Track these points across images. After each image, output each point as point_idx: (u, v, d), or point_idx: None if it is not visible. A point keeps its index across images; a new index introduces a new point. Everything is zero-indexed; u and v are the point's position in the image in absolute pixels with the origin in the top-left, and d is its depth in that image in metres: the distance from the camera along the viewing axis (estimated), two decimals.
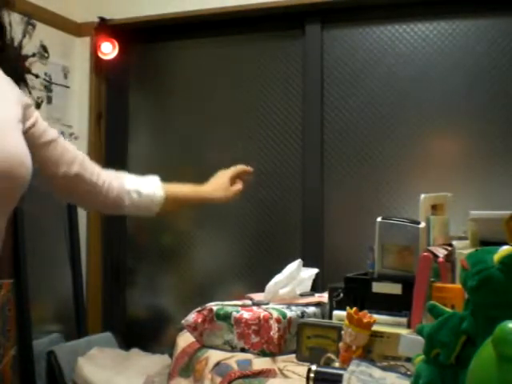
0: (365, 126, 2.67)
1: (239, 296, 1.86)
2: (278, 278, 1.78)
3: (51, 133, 1.15)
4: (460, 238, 1.58)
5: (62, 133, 2.93)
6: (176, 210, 1.50)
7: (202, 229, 2.94)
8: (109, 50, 2.95)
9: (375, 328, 1.29)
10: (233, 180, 1.56)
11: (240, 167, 1.58)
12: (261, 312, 1.51)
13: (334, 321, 1.44)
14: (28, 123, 1.08)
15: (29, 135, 1.07)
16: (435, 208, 1.65)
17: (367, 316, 1.28)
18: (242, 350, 1.49)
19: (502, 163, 2.47)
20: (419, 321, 1.28)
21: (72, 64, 2.97)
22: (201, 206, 1.66)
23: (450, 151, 2.60)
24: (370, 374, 1.08)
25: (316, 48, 2.74)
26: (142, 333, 3.01)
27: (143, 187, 1.33)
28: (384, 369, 1.12)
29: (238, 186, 1.57)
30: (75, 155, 1.20)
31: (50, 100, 2.83)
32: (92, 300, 2.99)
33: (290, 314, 1.53)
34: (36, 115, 1.11)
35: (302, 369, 1.24)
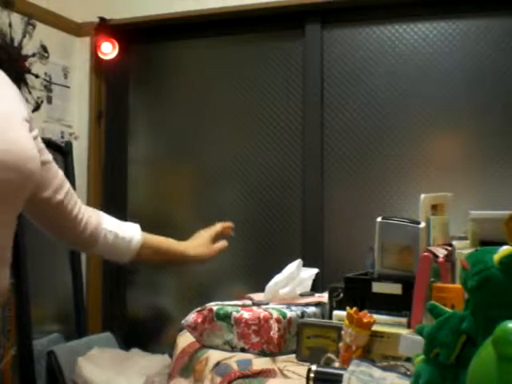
0: (365, 125, 2.67)
1: (239, 296, 1.87)
2: (277, 277, 1.78)
3: (47, 154, 1.12)
4: (460, 238, 1.58)
5: (62, 133, 2.93)
6: (152, 260, 1.42)
7: (202, 229, 2.93)
8: (109, 50, 2.95)
9: (375, 328, 1.29)
10: (215, 238, 1.55)
11: (220, 226, 1.56)
12: (261, 312, 1.52)
13: (334, 321, 1.44)
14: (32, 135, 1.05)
15: None
16: (435, 208, 1.65)
17: (367, 316, 1.28)
18: (242, 350, 1.49)
19: (501, 163, 2.47)
20: (419, 321, 1.28)
21: (72, 64, 2.97)
22: (190, 232, 1.60)
23: (450, 151, 2.60)
24: (370, 374, 1.08)
25: (316, 48, 2.74)
26: (142, 333, 3.01)
27: (121, 230, 1.29)
28: (384, 369, 1.12)
29: (222, 243, 1.56)
30: (63, 183, 1.16)
31: (49, 100, 2.83)
32: (92, 300, 2.99)
33: (290, 313, 1.53)
34: (36, 133, 1.07)
35: (302, 369, 1.24)
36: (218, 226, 1.56)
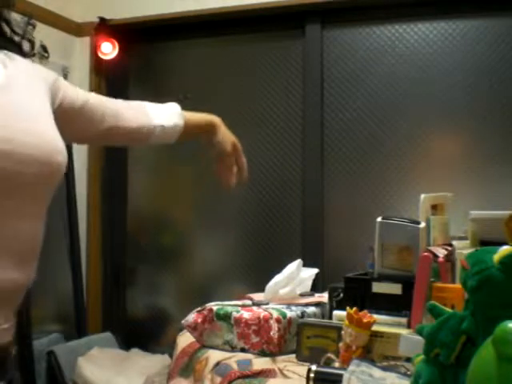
0: (365, 125, 2.67)
1: (239, 296, 1.87)
2: (277, 277, 1.78)
3: (81, 96, 1.16)
4: (460, 238, 1.58)
5: None
6: (193, 136, 1.48)
7: (202, 229, 2.94)
8: (109, 50, 2.95)
9: (375, 328, 1.29)
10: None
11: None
12: (261, 312, 1.51)
13: (334, 321, 1.44)
14: (58, 100, 1.09)
15: (65, 106, 1.09)
16: (435, 208, 1.65)
17: (367, 316, 1.28)
18: (242, 350, 1.49)
19: (502, 163, 2.47)
20: (419, 321, 1.28)
21: (72, 64, 2.97)
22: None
23: (450, 151, 2.60)
24: (370, 374, 1.08)
25: (316, 48, 2.74)
26: (142, 333, 3.01)
27: (166, 121, 1.36)
28: (384, 369, 1.12)
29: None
30: (105, 109, 1.22)
31: None
32: (92, 300, 2.99)
33: (290, 314, 1.53)
34: (63, 86, 1.12)
35: (302, 369, 1.24)
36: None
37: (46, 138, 0.96)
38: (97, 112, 1.20)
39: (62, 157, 0.98)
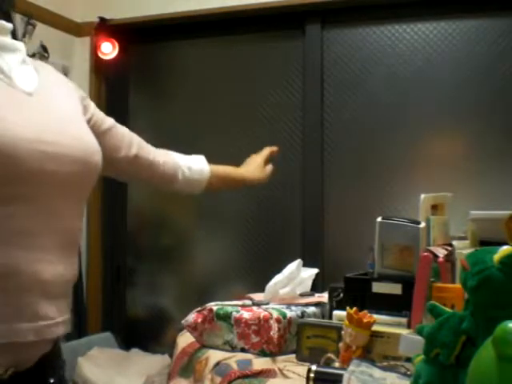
0: (365, 125, 2.67)
1: (239, 296, 1.87)
2: (277, 278, 1.78)
3: (108, 120, 1.21)
4: (460, 238, 1.58)
5: None
6: (219, 188, 1.55)
7: (202, 229, 2.94)
8: (109, 50, 2.95)
9: (375, 328, 1.29)
10: (265, 162, 1.67)
11: (268, 150, 1.68)
12: (261, 312, 1.51)
13: (334, 321, 1.44)
14: (88, 115, 1.13)
15: (90, 126, 1.12)
16: (435, 208, 1.65)
17: (367, 316, 1.28)
18: (242, 350, 1.49)
19: (501, 163, 2.47)
20: (419, 321, 1.28)
21: (72, 64, 2.97)
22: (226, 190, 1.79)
23: (450, 151, 2.60)
24: (370, 374, 1.08)
25: (316, 48, 2.74)
26: (142, 333, 3.01)
27: (193, 163, 1.43)
28: (384, 369, 1.12)
29: (269, 167, 1.68)
30: (132, 138, 1.28)
31: None
32: (92, 300, 2.99)
33: (290, 313, 1.53)
34: (93, 105, 1.16)
35: (302, 369, 1.24)
36: (266, 151, 1.68)
37: (82, 138, 1.01)
38: (124, 137, 1.25)
39: (98, 156, 1.04)
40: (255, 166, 1.63)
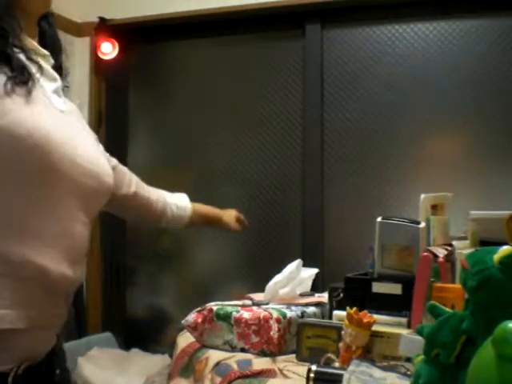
0: (365, 125, 2.67)
1: (239, 296, 1.87)
2: (277, 277, 1.78)
3: (113, 159, 1.32)
4: (460, 238, 1.57)
5: None
6: (197, 224, 1.67)
7: (202, 229, 2.94)
8: (109, 50, 2.95)
9: (375, 328, 1.29)
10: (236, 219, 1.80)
11: (238, 213, 1.81)
12: (261, 312, 1.52)
13: (334, 321, 1.44)
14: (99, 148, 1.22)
15: None
16: (435, 208, 1.65)
17: (367, 316, 1.28)
18: (242, 350, 1.49)
19: (502, 163, 2.47)
20: (419, 321, 1.28)
21: (72, 64, 2.97)
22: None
23: (450, 151, 2.60)
24: (370, 374, 1.08)
25: (316, 48, 2.74)
26: (142, 333, 3.01)
27: (179, 201, 1.54)
28: (384, 369, 1.12)
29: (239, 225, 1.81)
30: (131, 176, 1.40)
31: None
32: (92, 300, 2.99)
33: (290, 313, 1.53)
34: (101, 147, 1.25)
35: (302, 369, 1.24)
36: (238, 213, 1.81)
37: (99, 160, 1.12)
38: (125, 176, 1.37)
39: (111, 180, 1.14)
40: (231, 215, 1.76)
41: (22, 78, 0.97)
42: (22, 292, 0.93)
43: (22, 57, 1.01)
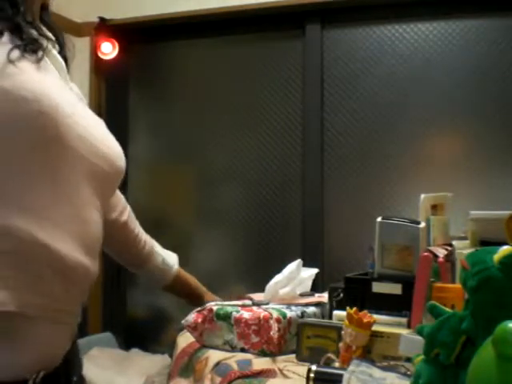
0: (365, 125, 2.68)
1: (239, 296, 1.87)
2: (277, 277, 1.77)
3: None
4: (460, 238, 1.57)
5: None
6: (174, 290, 1.57)
7: (202, 229, 2.94)
8: (109, 50, 2.95)
9: (375, 328, 1.29)
10: None
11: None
12: (261, 312, 1.51)
13: (334, 321, 1.44)
14: None
15: None
16: (435, 208, 1.65)
17: (367, 316, 1.28)
18: (242, 350, 1.49)
19: (502, 163, 2.47)
20: (419, 321, 1.28)
21: (72, 64, 2.96)
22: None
23: (450, 151, 2.60)
24: (370, 374, 1.08)
25: (316, 48, 2.74)
26: (142, 333, 3.01)
27: (167, 257, 1.46)
28: (384, 369, 1.12)
29: None
30: (125, 204, 1.32)
31: None
32: (92, 300, 2.99)
33: (290, 313, 1.53)
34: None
35: (302, 369, 1.24)
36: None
37: (112, 142, 1.05)
38: (120, 201, 1.29)
39: (123, 164, 1.06)
40: (214, 299, 1.66)
41: (31, 47, 0.90)
42: (30, 274, 0.85)
43: (33, 31, 0.95)
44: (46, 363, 0.90)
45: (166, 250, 1.47)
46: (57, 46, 1.07)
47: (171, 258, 1.48)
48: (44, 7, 1.08)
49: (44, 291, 0.88)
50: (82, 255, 0.93)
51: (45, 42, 0.97)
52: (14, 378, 0.85)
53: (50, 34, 1.04)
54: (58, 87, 0.95)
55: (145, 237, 1.39)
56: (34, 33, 0.96)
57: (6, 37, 0.89)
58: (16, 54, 0.86)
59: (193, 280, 1.61)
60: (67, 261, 0.90)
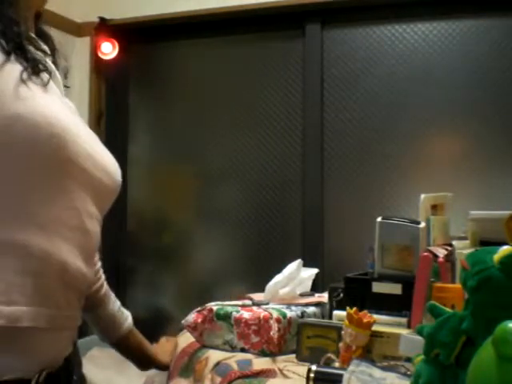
0: (365, 125, 2.68)
1: (239, 296, 1.87)
2: (277, 278, 1.78)
3: None
4: (460, 238, 1.57)
5: None
6: (127, 352, 1.53)
7: (202, 228, 2.94)
8: (109, 50, 2.95)
9: (375, 328, 1.29)
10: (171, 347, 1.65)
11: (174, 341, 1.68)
12: (261, 312, 1.51)
13: (334, 321, 1.44)
14: None
15: None
16: (435, 208, 1.65)
17: (367, 316, 1.28)
18: (242, 350, 1.49)
19: (502, 163, 2.47)
20: (419, 321, 1.28)
21: (72, 64, 2.97)
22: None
23: (450, 151, 2.60)
24: (370, 374, 1.08)
25: (316, 48, 2.74)
26: (142, 333, 3.00)
27: (123, 308, 1.40)
28: (384, 369, 1.12)
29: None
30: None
31: None
32: None
33: (289, 314, 1.53)
34: None
35: (302, 369, 1.24)
36: (175, 342, 1.68)
37: (110, 158, 1.06)
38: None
39: (120, 178, 1.08)
40: (167, 350, 1.64)
41: (38, 69, 0.93)
42: (43, 289, 0.90)
43: (32, 48, 0.98)
44: (49, 364, 0.93)
45: (123, 308, 1.40)
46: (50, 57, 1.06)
47: (127, 312, 1.42)
48: (38, 15, 1.09)
49: (52, 303, 0.92)
50: (82, 264, 0.97)
51: (49, 62, 1.01)
52: (18, 377, 0.88)
53: (45, 47, 1.06)
54: (63, 108, 0.98)
55: (103, 279, 1.33)
56: (32, 49, 0.98)
57: (11, 57, 0.91)
58: (25, 76, 0.90)
59: (145, 341, 1.55)
60: (72, 270, 0.94)
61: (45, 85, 0.93)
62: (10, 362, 0.87)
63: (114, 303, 1.35)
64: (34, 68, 0.93)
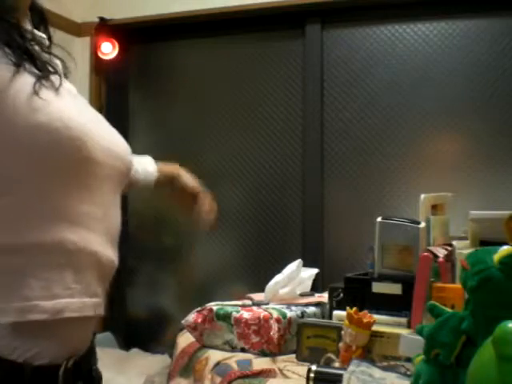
0: (365, 125, 2.68)
1: (239, 296, 1.87)
2: (277, 277, 1.78)
3: None
4: (460, 238, 1.57)
5: None
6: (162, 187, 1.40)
7: (201, 232, 2.93)
8: (109, 50, 2.95)
9: (375, 328, 1.29)
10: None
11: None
12: (261, 312, 1.52)
13: (334, 321, 1.44)
14: None
15: None
16: (435, 208, 1.65)
17: (367, 316, 1.28)
18: (242, 350, 1.49)
19: (502, 163, 2.47)
20: (419, 321, 1.28)
21: (72, 64, 2.96)
22: None
23: (450, 151, 2.60)
24: (370, 374, 1.08)
25: (316, 48, 2.74)
26: (142, 333, 3.01)
27: (145, 167, 1.34)
28: (384, 369, 1.12)
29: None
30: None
31: None
32: None
33: (290, 314, 1.53)
34: None
35: (302, 369, 1.24)
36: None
37: (120, 139, 1.08)
38: None
39: (130, 157, 1.11)
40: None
41: (48, 74, 0.96)
42: (81, 280, 0.94)
43: (36, 48, 0.99)
44: (76, 351, 0.99)
45: (140, 160, 1.33)
46: (46, 40, 1.09)
47: (150, 167, 1.35)
48: (32, 8, 1.08)
49: (92, 292, 0.97)
50: (111, 251, 1.01)
51: (58, 64, 1.04)
52: (49, 363, 0.92)
53: (40, 34, 1.06)
54: (75, 104, 1.00)
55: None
56: (38, 49, 0.99)
57: (21, 68, 0.93)
58: (37, 87, 0.92)
59: (167, 169, 1.43)
60: (104, 260, 0.99)
61: (56, 88, 0.95)
62: (45, 349, 0.91)
63: (139, 175, 1.29)
64: (44, 72, 0.95)
